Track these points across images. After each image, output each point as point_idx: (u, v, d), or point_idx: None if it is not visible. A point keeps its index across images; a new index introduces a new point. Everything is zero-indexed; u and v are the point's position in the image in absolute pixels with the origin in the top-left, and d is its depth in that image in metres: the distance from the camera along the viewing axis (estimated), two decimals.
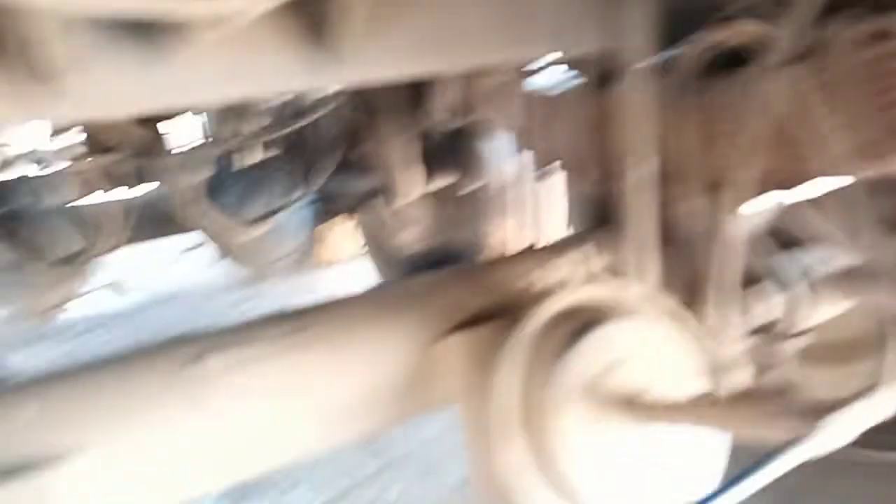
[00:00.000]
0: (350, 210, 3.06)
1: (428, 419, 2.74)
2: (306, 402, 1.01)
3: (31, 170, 2.81)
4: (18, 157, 2.45)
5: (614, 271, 1.13)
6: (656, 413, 0.92)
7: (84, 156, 1.92)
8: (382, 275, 3.61)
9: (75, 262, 2.11)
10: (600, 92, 1.42)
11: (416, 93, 2.09)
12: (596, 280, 1.06)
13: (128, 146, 1.99)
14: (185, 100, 0.86)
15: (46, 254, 2.18)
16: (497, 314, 1.11)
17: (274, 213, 2.44)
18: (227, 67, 0.87)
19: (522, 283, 1.17)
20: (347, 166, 3.00)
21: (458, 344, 1.07)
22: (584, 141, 1.45)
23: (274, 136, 2.41)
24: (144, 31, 0.81)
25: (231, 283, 4.51)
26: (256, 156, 3.70)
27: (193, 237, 3.12)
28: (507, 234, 2.49)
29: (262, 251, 2.71)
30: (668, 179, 1.28)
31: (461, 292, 1.15)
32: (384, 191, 2.67)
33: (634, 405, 0.93)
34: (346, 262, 4.43)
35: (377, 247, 3.56)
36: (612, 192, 1.43)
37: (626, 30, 1.12)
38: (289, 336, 1.03)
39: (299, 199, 2.48)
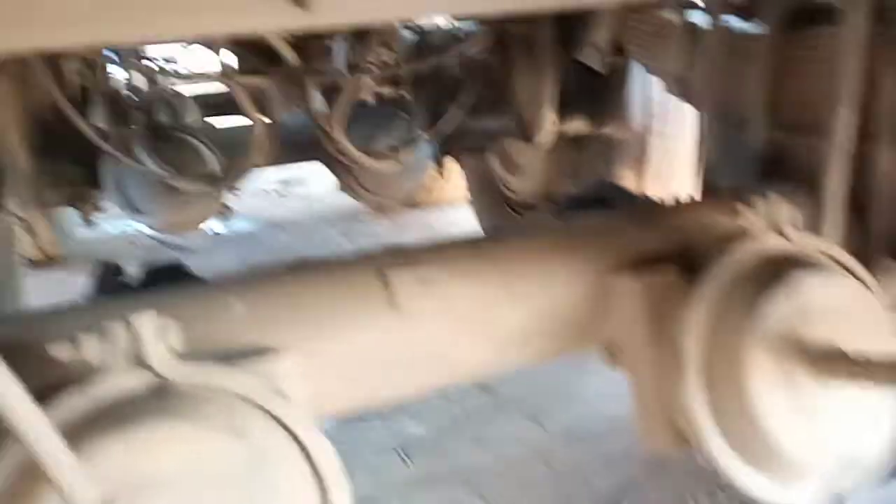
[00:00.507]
0: (474, 150, 3.03)
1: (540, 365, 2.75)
2: (481, 323, 1.02)
3: (177, 87, 2.93)
4: (163, 73, 2.55)
5: (799, 225, 1.08)
6: (854, 370, 0.89)
7: (231, 75, 1.97)
8: (482, 221, 3.60)
9: (213, 180, 2.20)
10: (788, 35, 1.34)
11: (559, 30, 2.03)
12: (781, 232, 1.02)
13: (275, 69, 2.03)
14: (425, 8, 0.85)
15: (186, 171, 2.28)
16: (674, 258, 1.09)
17: (398, 148, 2.46)
18: None
19: (701, 229, 1.14)
20: (475, 106, 2.98)
21: (631, 283, 1.06)
22: (760, 89, 1.38)
23: (407, 68, 2.40)
24: None
25: (345, 216, 4.61)
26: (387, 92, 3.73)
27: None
28: (643, 182, 2.43)
29: (383, 185, 2.75)
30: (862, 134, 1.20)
31: (637, 233, 1.13)
32: (512, 132, 2.64)
33: (830, 360, 0.90)
34: (450, 205, 4.45)
35: (485, 191, 3.55)
36: (798, 144, 1.37)
37: None
38: (467, 260, 1.05)
39: (423, 136, 2.48)
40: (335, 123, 2.16)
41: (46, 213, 2.94)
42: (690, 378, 0.95)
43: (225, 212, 2.65)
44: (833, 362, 0.90)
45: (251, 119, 2.04)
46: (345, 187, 2.82)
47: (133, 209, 2.41)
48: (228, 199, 2.64)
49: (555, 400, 2.55)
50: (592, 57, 1.94)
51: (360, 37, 2.14)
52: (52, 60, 2.24)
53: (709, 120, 1.71)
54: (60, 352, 0.72)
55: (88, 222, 2.88)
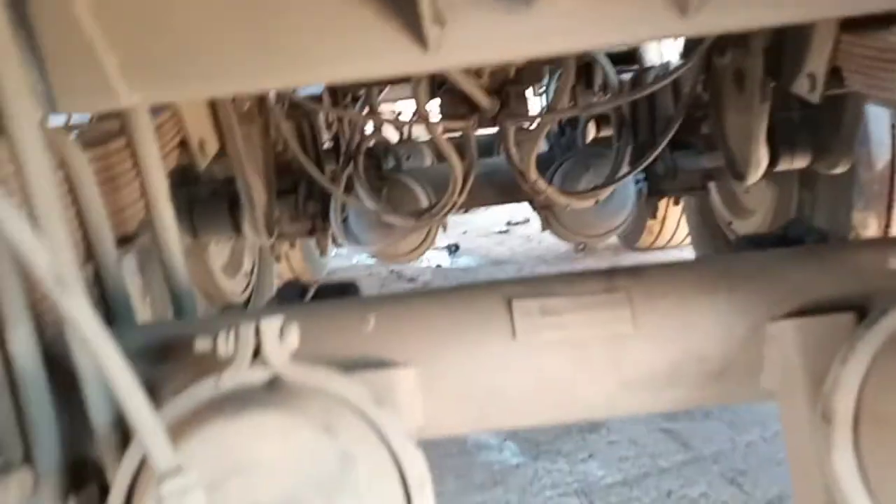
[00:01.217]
0: (681, 191, 2.92)
1: (749, 423, 2.52)
2: (604, 359, 0.98)
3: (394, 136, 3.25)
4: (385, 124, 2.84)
5: None
6: None
7: (437, 123, 2.14)
8: None
9: (423, 217, 2.38)
10: None
11: (770, 61, 1.87)
12: None
13: (475, 115, 2.16)
14: (539, 48, 0.88)
15: (401, 208, 2.52)
16: (847, 304, 0.95)
17: (599, 187, 2.44)
18: (579, 15, 0.87)
19: (880, 274, 0.97)
20: (683, 146, 2.87)
21: (794, 329, 0.94)
22: None
23: (609, 106, 2.39)
24: None
25: (552, 256, 4.68)
26: (590, 133, 3.75)
27: (521, 208, 3.28)
28: (881, 225, 2.12)
29: (586, 225, 2.74)
30: None
31: (807, 273, 1.00)
32: (722, 172, 2.49)
33: None
34: (678, 248, 4.27)
35: (706, 233, 3.34)
36: None
37: None
38: (599, 294, 1.01)
39: (626, 175, 2.43)
40: (527, 162, 2.22)
41: (292, 244, 3.41)
42: (839, 444, 0.81)
43: (452, 248, 2.85)
44: None
45: (450, 161, 2.19)
46: (546, 226, 2.86)
47: (355, 241, 2.71)
48: (440, 234, 2.84)
49: (757, 463, 2.29)
50: (805, 87, 1.76)
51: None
52: (292, 113, 2.64)
53: None
54: (201, 346, 0.86)
55: (324, 252, 3.28)
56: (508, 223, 6.29)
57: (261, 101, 2.07)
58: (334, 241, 3.01)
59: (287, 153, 2.48)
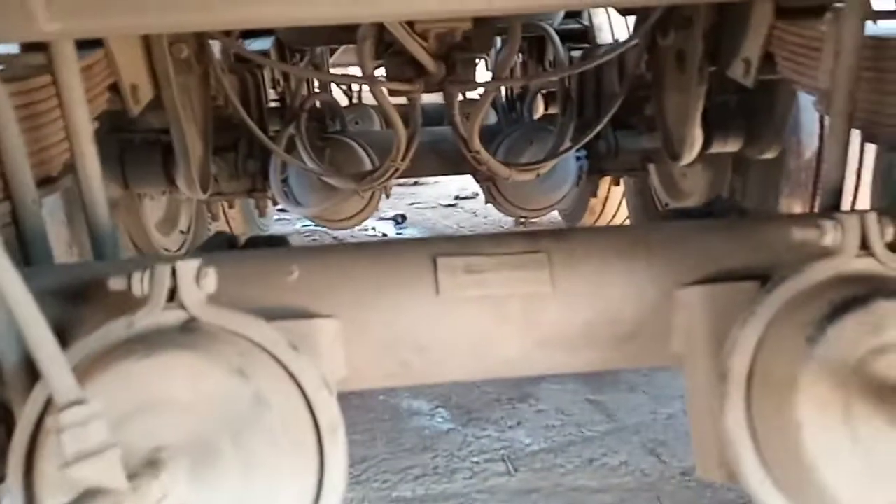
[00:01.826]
0: (622, 171, 2.98)
1: (671, 396, 2.62)
2: (526, 317, 1.01)
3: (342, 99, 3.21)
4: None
5: None
6: None
7: (381, 84, 2.11)
8: None
9: (365, 180, 2.36)
10: None
11: (710, 44, 1.92)
12: (879, 255, 0.89)
13: (423, 79, 2.14)
14: (492, 4, 0.88)
15: (343, 170, 2.49)
16: (753, 274, 1.00)
17: (541, 161, 2.47)
18: None
19: (786, 247, 1.02)
20: (626, 127, 2.92)
21: (701, 296, 0.99)
22: None
23: (554, 76, 2.41)
24: None
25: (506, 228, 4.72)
26: (539, 110, 3.77)
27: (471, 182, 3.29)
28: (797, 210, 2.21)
29: (527, 199, 2.78)
30: None
31: (718, 244, 1.05)
32: (661, 154, 2.55)
33: None
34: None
35: (645, 214, 3.43)
36: None
37: None
38: (519, 255, 1.04)
39: (568, 150, 2.47)
40: (471, 131, 2.22)
41: (231, 203, 3.35)
42: (733, 402, 0.86)
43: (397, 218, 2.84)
44: None
45: (394, 125, 2.17)
46: (489, 199, 2.88)
47: (294, 202, 2.67)
48: (386, 203, 2.82)
49: (676, 435, 2.40)
50: (740, 71, 1.81)
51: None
52: (236, 66, 2.57)
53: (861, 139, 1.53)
54: (115, 284, 0.85)
55: (263, 213, 3.23)
56: (457, 197, 6.29)
57: (200, 48, 2.01)
58: (274, 201, 2.97)
59: (228, 108, 2.42)
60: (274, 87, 3.24)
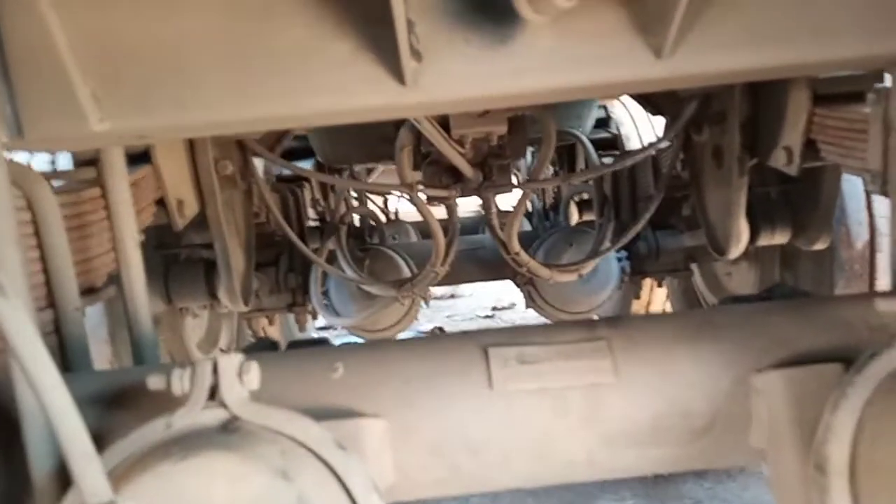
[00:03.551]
0: (664, 271, 2.91)
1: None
2: (588, 411, 0.93)
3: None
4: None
5: None
6: None
7: (420, 190, 2.14)
8: None
9: (404, 286, 2.34)
10: None
11: (747, 136, 1.92)
12: None
13: (460, 185, 2.17)
14: (518, 85, 0.88)
15: (382, 279, 2.48)
16: (834, 356, 0.92)
17: (582, 261, 2.43)
18: (557, 54, 0.88)
19: (865, 326, 0.95)
20: (665, 227, 2.89)
21: (781, 380, 0.90)
22: None
23: (589, 176, 2.42)
24: (483, 17, 0.85)
25: None
26: (574, 219, 3.79)
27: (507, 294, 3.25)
28: None
29: (568, 301, 2.72)
30: None
31: (792, 325, 0.97)
32: (703, 252, 2.50)
33: None
34: None
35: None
36: None
37: None
38: (577, 343, 0.97)
39: (609, 249, 2.43)
40: (509, 233, 2.21)
41: (271, 319, 3.35)
42: (836, 495, 0.76)
43: (415, 320, 2.81)
44: None
45: (433, 229, 2.18)
46: (530, 303, 2.83)
47: (334, 313, 2.65)
48: (424, 316, 2.79)
49: None
50: (782, 160, 1.79)
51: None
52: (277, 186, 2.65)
53: None
54: (155, 384, 0.81)
55: (302, 328, 3.21)
56: (494, 308, 6.24)
57: (244, 165, 2.07)
58: (314, 315, 2.95)
59: (270, 224, 2.47)
60: (314, 207, 3.32)
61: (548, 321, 3.33)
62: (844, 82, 1.65)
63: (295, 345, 1.23)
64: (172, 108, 0.85)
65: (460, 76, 0.88)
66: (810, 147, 1.71)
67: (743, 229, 2.07)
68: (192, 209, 1.82)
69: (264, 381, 0.90)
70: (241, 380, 0.79)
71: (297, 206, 2.86)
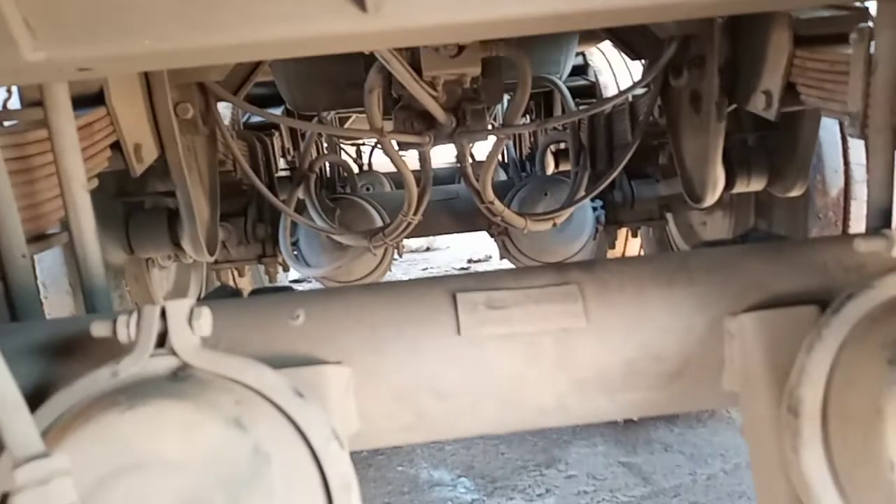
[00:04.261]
0: (639, 221, 2.90)
1: (710, 455, 2.44)
2: (559, 355, 0.90)
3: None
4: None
5: None
6: None
7: (391, 136, 2.07)
8: None
9: (376, 236, 2.29)
10: None
11: (726, 81, 1.87)
12: None
13: (433, 131, 2.10)
14: (495, 12, 0.83)
15: (354, 229, 2.43)
16: (809, 298, 0.90)
17: (557, 210, 2.39)
18: None
19: (840, 268, 0.92)
20: (641, 176, 2.86)
21: (755, 323, 0.88)
22: None
23: (564, 120, 2.37)
24: None
25: None
26: (550, 168, 3.74)
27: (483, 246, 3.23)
28: None
29: (543, 250, 2.69)
30: None
31: (767, 267, 0.95)
32: (679, 202, 2.48)
33: None
34: None
35: None
36: None
37: None
38: (548, 288, 0.94)
39: (583, 198, 2.40)
40: (483, 182, 2.16)
41: (240, 271, 3.28)
42: (808, 439, 0.74)
43: (389, 270, 2.77)
44: None
45: (404, 178, 2.12)
46: (504, 253, 2.80)
47: (304, 264, 2.60)
48: (396, 267, 2.75)
49: (718, 497, 2.22)
50: (761, 104, 1.75)
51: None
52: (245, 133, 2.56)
53: None
54: (99, 330, 0.76)
55: (273, 280, 3.16)
56: (469, 260, 6.23)
57: (207, 109, 1.98)
58: (285, 267, 2.90)
59: (237, 173, 2.39)
60: (284, 156, 3.23)
61: None
62: (827, 24, 1.60)
63: (258, 292, 1.18)
64: (116, 36, 0.77)
65: (426, 2, 0.81)
66: (790, 91, 1.67)
67: (719, 176, 2.04)
68: (150, 154, 1.74)
69: (221, 329, 0.86)
70: (191, 326, 0.75)
71: (266, 155, 2.77)
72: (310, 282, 4.59)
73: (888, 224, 1.20)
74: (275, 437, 0.71)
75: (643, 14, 0.94)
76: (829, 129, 2.23)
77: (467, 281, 0.97)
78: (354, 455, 0.79)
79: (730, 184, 2.13)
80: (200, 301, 1.09)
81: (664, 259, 1.00)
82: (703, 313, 0.92)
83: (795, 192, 2.12)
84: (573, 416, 0.95)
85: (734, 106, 1.92)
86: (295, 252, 2.57)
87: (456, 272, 5.99)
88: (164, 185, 2.13)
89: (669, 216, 3.00)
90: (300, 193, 2.50)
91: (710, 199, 2.08)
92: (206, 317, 0.76)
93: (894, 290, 0.78)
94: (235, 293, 1.25)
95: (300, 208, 2.54)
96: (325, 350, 0.90)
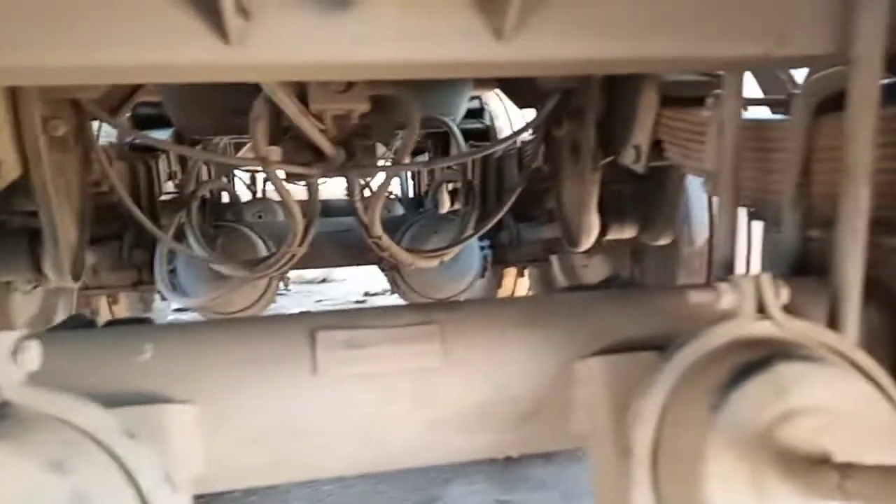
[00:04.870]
0: (525, 261, 2.99)
1: (584, 493, 2.51)
2: (416, 396, 0.91)
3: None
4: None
5: (799, 311, 0.91)
6: (842, 483, 0.69)
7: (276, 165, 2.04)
8: None
9: (258, 267, 2.24)
10: (815, 122, 1.22)
11: (602, 133, 1.98)
12: (776, 317, 0.86)
13: (322, 164, 2.09)
14: (357, 54, 0.84)
15: (236, 258, 2.36)
16: (653, 344, 0.95)
17: (444, 248, 2.43)
18: (398, 25, 0.84)
19: (682, 316, 0.99)
20: (528, 218, 2.97)
21: (601, 367, 0.92)
22: (789, 181, 1.26)
23: (452, 161, 2.42)
24: None
25: None
26: (446, 206, 3.80)
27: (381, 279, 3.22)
28: None
29: (431, 287, 2.72)
30: (892, 224, 1.05)
31: (616, 314, 1.00)
32: (560, 243, 2.58)
33: (813, 469, 0.72)
34: None
35: None
36: (815, 235, 1.22)
37: (860, 37, 0.93)
38: (409, 327, 0.95)
39: (470, 237, 2.45)
40: (372, 216, 2.16)
41: (114, 298, 3.11)
42: (638, 480, 0.78)
43: (273, 302, 2.70)
44: (816, 472, 0.72)
45: (289, 208, 2.09)
46: (395, 288, 2.81)
47: (182, 293, 2.49)
48: (284, 298, 2.68)
49: None
50: (631, 158, 1.86)
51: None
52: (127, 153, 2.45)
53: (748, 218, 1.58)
54: None
55: (148, 308, 3.01)
56: (366, 293, 6.18)
57: (80, 128, 1.88)
58: (163, 296, 2.77)
59: (114, 195, 2.27)
60: (171, 179, 3.11)
61: None
62: (690, 87, 1.74)
63: (112, 324, 1.12)
64: None
65: (293, 39, 0.82)
66: (657, 147, 1.79)
67: (594, 223, 2.14)
68: (11, 171, 1.63)
69: (59, 363, 0.81)
70: (15, 360, 0.70)
71: (150, 177, 2.67)
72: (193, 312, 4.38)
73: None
74: (100, 480, 0.67)
75: (505, 68, 0.98)
76: (696, 183, 2.40)
77: (329, 319, 0.96)
78: (226, 497, 0.76)
79: (604, 230, 2.24)
80: (43, 331, 1.03)
81: (524, 302, 1.04)
82: (556, 356, 0.96)
83: (663, 241, 2.25)
84: (429, 456, 0.95)
85: (611, 158, 2.03)
86: (172, 280, 2.46)
87: (352, 304, 5.93)
88: (31, 203, 2.00)
89: (554, 258, 3.11)
90: (181, 218, 2.41)
91: (586, 243, 2.17)
92: (32, 350, 0.72)
93: (719, 340, 0.84)
94: (90, 323, 1.18)
95: (182, 237, 2.45)
96: (174, 388, 0.87)
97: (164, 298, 2.84)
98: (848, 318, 0.93)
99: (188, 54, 0.81)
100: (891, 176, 1.04)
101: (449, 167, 3.47)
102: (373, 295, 6.08)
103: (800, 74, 1.74)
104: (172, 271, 2.45)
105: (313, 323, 0.94)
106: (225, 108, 2.28)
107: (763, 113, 1.61)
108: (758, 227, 1.98)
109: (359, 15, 0.83)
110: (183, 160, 3.12)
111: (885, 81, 1.05)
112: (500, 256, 2.91)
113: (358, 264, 2.98)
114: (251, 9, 0.80)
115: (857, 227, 0.95)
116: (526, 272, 3.35)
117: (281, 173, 2.14)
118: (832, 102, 1.19)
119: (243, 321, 0.97)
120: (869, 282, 0.96)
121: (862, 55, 0.92)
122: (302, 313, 0.98)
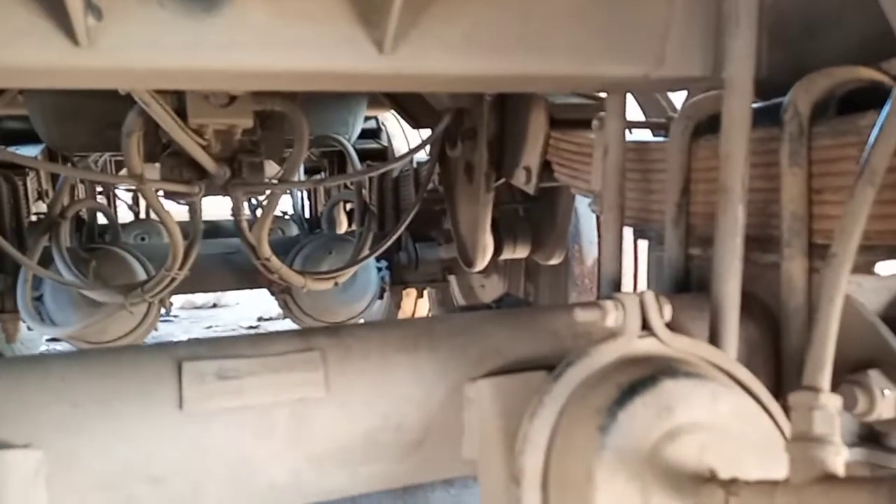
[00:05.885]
0: (423, 282, 2.97)
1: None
2: (295, 429, 0.84)
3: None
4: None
5: (686, 332, 0.93)
6: (727, 499, 0.69)
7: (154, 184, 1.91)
8: None
9: (134, 292, 2.08)
10: (693, 143, 1.26)
11: (495, 155, 1.99)
12: (660, 334, 0.86)
13: (204, 181, 1.97)
14: (224, 60, 0.78)
15: (110, 282, 2.19)
16: (543, 363, 0.93)
17: (338, 270, 2.36)
18: (270, 32, 0.79)
19: (570, 334, 0.98)
20: (426, 239, 2.95)
21: (490, 388, 0.89)
22: (667, 200, 1.29)
23: (343, 180, 2.36)
24: None
25: None
26: (343, 227, 3.72)
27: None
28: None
29: (325, 310, 2.64)
30: (766, 242, 1.09)
31: (504, 334, 0.97)
32: (457, 263, 2.57)
33: (698, 486, 0.71)
34: None
35: None
36: (696, 253, 1.25)
37: (731, 60, 0.96)
38: (288, 355, 0.88)
39: (366, 258, 2.39)
40: (260, 238, 2.07)
41: None
42: (523, 499, 0.75)
43: (153, 330, 2.53)
44: (703, 490, 0.71)
45: (169, 229, 1.96)
46: (287, 313, 2.70)
47: (49, 322, 2.29)
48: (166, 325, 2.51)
49: None
50: (522, 179, 1.87)
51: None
52: None
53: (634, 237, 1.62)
54: None
55: (11, 339, 2.74)
56: (259, 318, 5.96)
57: None
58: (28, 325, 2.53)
59: None
60: (42, 199, 2.87)
61: None
62: (577, 109, 1.78)
63: None
64: None
65: (150, 43, 0.75)
66: (547, 168, 1.81)
67: (488, 243, 2.15)
68: None
69: None
70: None
71: (15, 196, 2.44)
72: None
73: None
74: None
75: (385, 81, 0.95)
76: (585, 203, 2.47)
77: (198, 348, 0.88)
78: None
79: (498, 250, 2.25)
80: None
81: (411, 324, 1.00)
82: (444, 379, 0.92)
83: (555, 261, 2.29)
84: (310, 493, 0.89)
85: (504, 179, 2.05)
86: (38, 308, 2.25)
87: (244, 330, 5.69)
88: None
89: (452, 278, 3.10)
90: (46, 242, 2.21)
91: (480, 263, 2.17)
92: None
93: (608, 358, 0.83)
94: None
95: (50, 260, 2.24)
96: (11, 430, 0.76)
97: (30, 328, 2.60)
98: (727, 334, 0.95)
99: (32, 56, 0.72)
100: (764, 195, 1.07)
101: (346, 186, 3.40)
102: (267, 320, 5.87)
103: (678, 98, 1.82)
104: (39, 298, 2.24)
105: (179, 353, 0.86)
106: (95, 120, 2.13)
107: (645, 135, 1.66)
108: (645, 245, 2.04)
109: (226, 20, 0.77)
110: (55, 178, 2.89)
111: (757, 105, 1.10)
112: (398, 277, 2.87)
113: (248, 288, 2.85)
114: (103, 7, 0.72)
115: (734, 245, 0.97)
116: (425, 293, 3.32)
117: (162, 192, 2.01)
118: (708, 125, 1.23)
119: (100, 352, 0.87)
120: (746, 297, 0.98)
121: (734, 78, 0.95)
122: (167, 343, 0.89)
